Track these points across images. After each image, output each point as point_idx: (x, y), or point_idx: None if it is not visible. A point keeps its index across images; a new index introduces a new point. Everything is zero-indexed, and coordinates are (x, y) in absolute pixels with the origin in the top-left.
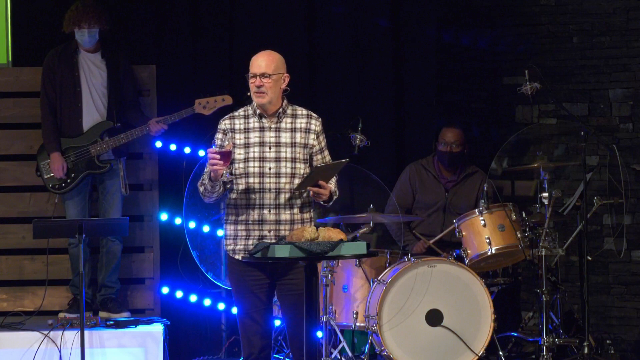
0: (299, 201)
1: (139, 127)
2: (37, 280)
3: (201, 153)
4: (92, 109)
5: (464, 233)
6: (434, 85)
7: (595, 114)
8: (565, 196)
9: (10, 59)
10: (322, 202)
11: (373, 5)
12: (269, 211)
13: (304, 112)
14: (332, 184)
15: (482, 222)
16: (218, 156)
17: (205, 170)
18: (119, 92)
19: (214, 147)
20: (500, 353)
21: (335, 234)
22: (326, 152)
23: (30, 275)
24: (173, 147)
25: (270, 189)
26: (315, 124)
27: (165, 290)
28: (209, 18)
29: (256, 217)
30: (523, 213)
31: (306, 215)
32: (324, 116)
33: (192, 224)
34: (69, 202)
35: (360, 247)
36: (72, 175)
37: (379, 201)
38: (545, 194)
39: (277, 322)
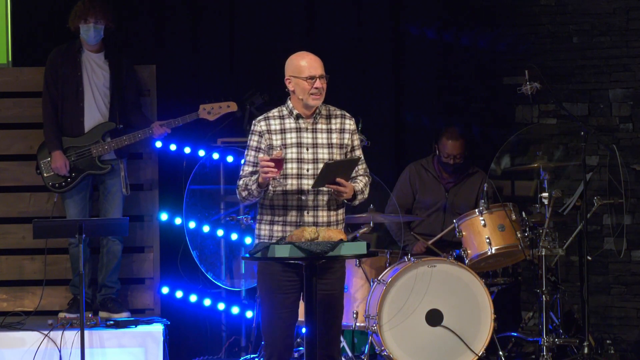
0: (336, 203)
1: (142, 129)
2: (37, 280)
3: (201, 153)
4: (94, 109)
5: (464, 233)
6: (434, 86)
7: (595, 114)
8: (565, 196)
9: (10, 59)
10: (346, 201)
11: (373, 5)
12: (308, 213)
13: (338, 112)
14: (360, 184)
15: (482, 222)
16: (272, 164)
17: (242, 173)
18: (121, 93)
19: (248, 150)
20: (500, 353)
21: (335, 234)
22: (359, 152)
23: (30, 275)
24: (173, 147)
25: (308, 191)
26: (350, 123)
27: (165, 290)
28: (209, 18)
29: (294, 218)
30: (523, 213)
31: (341, 217)
32: None
33: (192, 224)
34: (69, 201)
35: (360, 247)
36: (73, 174)
37: (379, 201)
38: (545, 194)
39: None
